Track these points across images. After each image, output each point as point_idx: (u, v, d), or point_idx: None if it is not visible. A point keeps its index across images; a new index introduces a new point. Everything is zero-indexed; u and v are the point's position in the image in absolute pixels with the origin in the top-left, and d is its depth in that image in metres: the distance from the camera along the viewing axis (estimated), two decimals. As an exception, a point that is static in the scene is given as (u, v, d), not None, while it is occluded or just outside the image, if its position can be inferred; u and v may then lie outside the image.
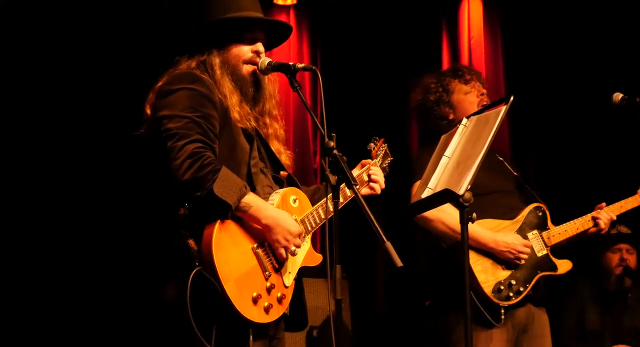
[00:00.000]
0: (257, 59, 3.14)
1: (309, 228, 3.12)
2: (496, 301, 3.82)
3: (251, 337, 2.88)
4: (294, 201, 3.12)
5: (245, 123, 3.06)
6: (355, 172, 3.38)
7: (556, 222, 4.06)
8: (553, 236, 4.01)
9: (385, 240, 2.63)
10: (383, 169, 3.49)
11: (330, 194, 2.77)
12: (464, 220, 3.08)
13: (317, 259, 3.16)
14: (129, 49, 4.95)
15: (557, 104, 5.77)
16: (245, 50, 3.15)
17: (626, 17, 5.63)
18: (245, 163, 3.04)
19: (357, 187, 2.75)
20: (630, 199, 4.13)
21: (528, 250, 3.89)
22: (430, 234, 3.98)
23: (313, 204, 3.19)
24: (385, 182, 3.44)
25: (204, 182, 2.80)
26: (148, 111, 3.04)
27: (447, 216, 3.85)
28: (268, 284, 2.92)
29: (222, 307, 2.78)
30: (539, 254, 3.97)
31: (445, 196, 3.13)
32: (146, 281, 2.97)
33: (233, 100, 3.06)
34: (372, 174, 3.38)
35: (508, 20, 5.87)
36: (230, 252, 2.85)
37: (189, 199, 2.86)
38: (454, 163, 3.19)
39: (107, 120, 4.86)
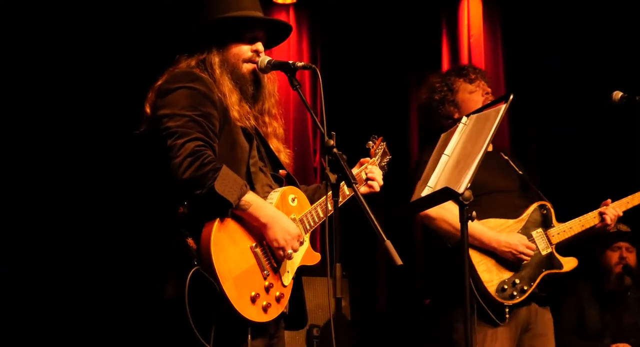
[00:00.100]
0: (257, 58, 3.15)
1: (308, 227, 3.12)
2: (500, 300, 3.82)
3: (249, 336, 2.88)
4: (293, 199, 3.12)
5: (244, 122, 3.06)
6: (354, 171, 3.38)
7: (560, 221, 4.05)
8: (558, 233, 4.00)
9: (385, 239, 2.63)
10: (382, 168, 3.49)
11: (330, 192, 2.77)
12: (464, 218, 3.09)
13: (315, 258, 3.16)
14: (129, 49, 4.95)
15: (557, 103, 5.77)
16: (245, 49, 3.15)
17: (626, 17, 5.62)
18: (245, 162, 3.04)
19: (357, 185, 2.75)
20: (637, 194, 4.12)
21: (530, 251, 3.88)
22: (434, 232, 3.98)
23: (313, 203, 3.18)
24: (384, 180, 3.43)
25: (205, 180, 2.80)
26: (148, 110, 3.04)
27: (449, 214, 3.84)
28: (266, 283, 2.92)
29: (220, 306, 2.78)
30: (544, 253, 3.97)
31: (445, 194, 3.13)
32: (145, 280, 2.97)
33: (232, 99, 3.06)
34: (368, 172, 3.38)
35: (508, 19, 5.87)
36: (229, 251, 2.84)
37: (189, 198, 2.85)
38: (453, 161, 3.19)
39: (107, 119, 4.86)
